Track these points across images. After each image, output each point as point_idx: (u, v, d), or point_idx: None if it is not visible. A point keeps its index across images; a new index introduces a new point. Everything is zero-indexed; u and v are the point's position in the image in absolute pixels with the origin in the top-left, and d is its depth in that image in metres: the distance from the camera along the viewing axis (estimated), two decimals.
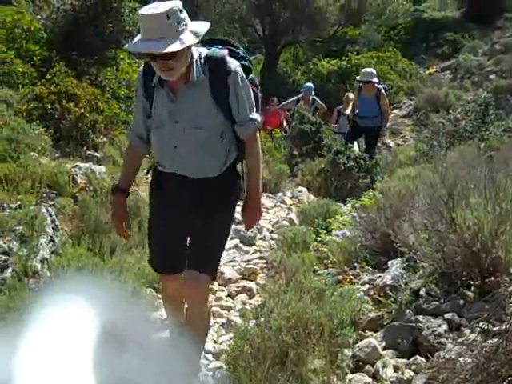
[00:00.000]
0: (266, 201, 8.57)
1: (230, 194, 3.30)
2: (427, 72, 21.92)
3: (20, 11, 8.78)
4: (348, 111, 11.22)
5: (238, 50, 3.28)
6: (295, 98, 12.45)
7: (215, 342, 4.22)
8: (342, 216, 6.51)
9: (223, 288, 5.32)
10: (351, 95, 11.70)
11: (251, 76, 3.29)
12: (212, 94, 3.05)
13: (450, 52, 23.73)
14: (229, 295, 5.19)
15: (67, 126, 7.15)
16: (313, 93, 12.38)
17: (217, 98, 3.05)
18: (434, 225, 3.76)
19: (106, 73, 9.11)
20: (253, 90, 3.22)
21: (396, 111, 17.42)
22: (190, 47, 2.91)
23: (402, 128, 15.67)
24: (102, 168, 6.41)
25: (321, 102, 12.51)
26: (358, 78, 10.32)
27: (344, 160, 8.53)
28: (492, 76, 19.27)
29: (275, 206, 8.42)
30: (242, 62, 3.21)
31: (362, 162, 8.53)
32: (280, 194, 9.02)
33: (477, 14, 25.69)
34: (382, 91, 9.95)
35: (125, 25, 9.03)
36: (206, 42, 3.18)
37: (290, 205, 8.38)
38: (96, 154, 7.28)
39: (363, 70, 10.35)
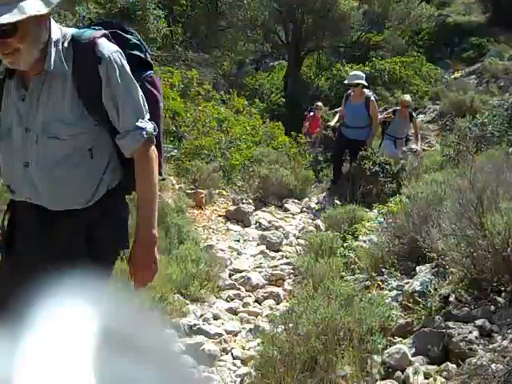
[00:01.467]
0: (292, 206, 8.60)
1: (104, 239, 2.36)
2: (452, 76, 21.78)
3: None
4: (333, 123, 10.63)
5: (129, 36, 2.48)
6: (373, 99, 11.80)
7: (243, 347, 4.22)
8: (368, 222, 6.47)
9: (250, 294, 5.32)
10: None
11: (149, 72, 2.52)
12: (77, 91, 2.21)
13: (475, 56, 23.57)
14: (256, 301, 5.19)
15: None
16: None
17: (83, 96, 2.21)
18: (463, 230, 3.72)
19: None
20: (149, 91, 2.45)
21: (421, 116, 17.34)
22: (42, 22, 2.12)
23: (427, 133, 15.56)
24: None
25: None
26: (345, 81, 9.59)
27: (369, 165, 8.49)
28: None
29: (301, 211, 8.43)
30: (135, 52, 2.45)
31: (387, 167, 8.48)
32: (306, 199, 9.04)
33: (502, 18, 25.50)
34: (372, 98, 9.17)
35: (149, 32, 9.10)
36: (89, 25, 2.45)
37: (316, 210, 8.39)
38: None
39: (351, 73, 9.94)
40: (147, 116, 2.32)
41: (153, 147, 2.33)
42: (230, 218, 7.79)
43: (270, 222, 7.66)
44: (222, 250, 6.33)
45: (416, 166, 8.53)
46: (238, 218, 7.77)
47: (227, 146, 10.06)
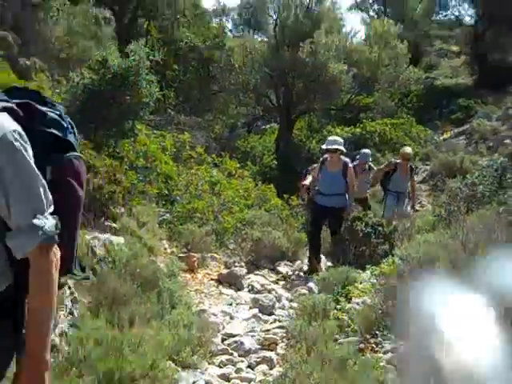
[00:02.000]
0: (284, 269, 8.56)
1: None
2: (442, 137, 22.11)
3: (40, 86, 9.01)
4: (307, 182, 9.40)
5: (46, 109, 2.08)
6: (350, 165, 11.69)
7: None
8: (361, 283, 6.44)
9: (243, 359, 5.24)
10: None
11: (68, 155, 2.11)
12: None
13: (463, 118, 24.00)
14: (249, 366, 5.11)
15: (86, 197, 7.21)
16: (370, 159, 11.58)
17: None
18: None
19: (124, 144, 9.26)
20: (61, 179, 2.05)
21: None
22: None
23: (418, 193, 15.65)
24: (121, 239, 6.43)
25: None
26: (323, 146, 8.95)
27: (362, 227, 8.51)
28: (507, 141, 19.35)
29: (294, 274, 8.39)
30: (51, 130, 2.06)
31: (379, 228, 8.50)
32: (298, 262, 9.00)
33: (489, 80, 26.10)
34: (350, 164, 8.74)
35: (142, 96, 9.21)
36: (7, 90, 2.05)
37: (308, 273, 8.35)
38: (114, 224, 7.31)
39: (330, 138, 9.21)
40: (49, 210, 1.88)
41: (52, 249, 1.89)
42: (222, 281, 7.75)
43: (262, 286, 7.61)
44: (215, 315, 6.26)
45: (408, 226, 8.54)
46: (231, 281, 7.73)
47: (220, 209, 10.09)
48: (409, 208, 10.79)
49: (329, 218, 8.67)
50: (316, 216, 8.84)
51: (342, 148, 8.55)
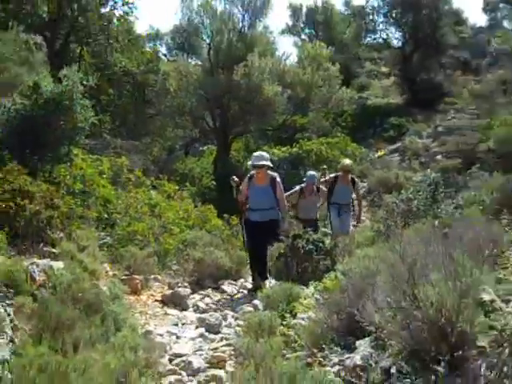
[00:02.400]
0: (228, 288, 8.56)
1: None
2: (376, 155, 22.62)
3: None
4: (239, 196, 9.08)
5: None
6: (298, 187, 11.47)
7: None
8: (305, 299, 6.49)
9: (192, 378, 5.20)
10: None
11: None
12: None
13: (396, 135, 24.70)
14: None
15: (22, 223, 7.08)
16: (315, 181, 11.34)
17: None
18: (397, 302, 3.79)
19: (60, 169, 9.14)
20: None
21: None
22: None
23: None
24: (60, 264, 6.32)
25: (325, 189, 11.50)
26: (249, 163, 9.00)
27: (303, 244, 8.59)
28: (438, 157, 20.01)
29: (238, 292, 8.40)
30: None
31: (320, 244, 8.60)
32: (241, 280, 9.02)
33: (418, 99, 26.96)
34: (278, 179, 8.63)
35: (77, 121, 9.13)
36: None
37: (253, 290, 8.36)
38: (53, 249, 7.18)
39: (255, 154, 8.94)
40: None
41: None
42: (166, 302, 7.70)
43: (207, 305, 7.59)
44: (161, 335, 6.21)
45: (348, 242, 8.68)
46: (176, 301, 7.69)
47: (160, 231, 10.04)
48: (351, 225, 10.94)
49: (262, 233, 8.47)
50: (250, 232, 8.80)
51: (268, 163, 8.57)
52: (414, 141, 22.36)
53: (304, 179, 11.57)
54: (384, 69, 36.82)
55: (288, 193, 11.60)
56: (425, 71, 30.15)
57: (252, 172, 8.68)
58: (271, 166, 8.70)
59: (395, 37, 33.79)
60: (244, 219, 8.97)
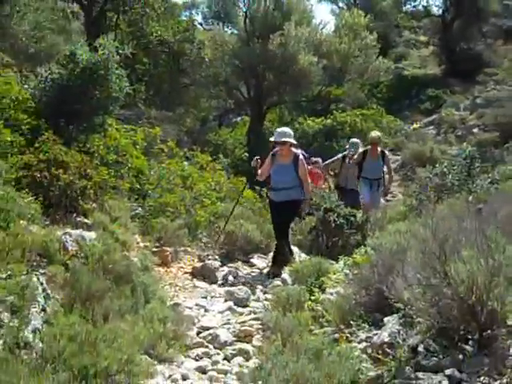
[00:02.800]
0: (258, 261, 8.57)
1: None
2: (411, 127, 22.29)
3: (8, 81, 8.88)
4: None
5: None
6: (340, 155, 11.38)
7: None
8: (334, 274, 6.48)
9: (219, 351, 5.25)
10: None
11: None
12: None
13: (432, 107, 24.25)
14: (225, 358, 5.12)
15: (56, 193, 7.15)
16: (360, 149, 11.06)
17: None
18: (427, 279, 3.75)
19: (95, 139, 9.18)
20: None
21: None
22: None
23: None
24: (93, 234, 6.38)
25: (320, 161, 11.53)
26: (271, 139, 8.45)
27: (334, 218, 8.55)
28: (475, 130, 19.62)
29: (267, 266, 8.41)
30: None
31: (352, 218, 8.55)
32: (271, 254, 9.01)
33: (457, 70, 26.38)
34: (301, 156, 8.21)
35: (112, 91, 9.13)
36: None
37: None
38: (86, 220, 7.25)
39: (278, 130, 8.54)
40: None
41: None
42: (196, 274, 7.74)
43: (236, 278, 7.62)
44: (189, 308, 6.26)
45: (380, 216, 8.61)
46: (205, 274, 7.72)
47: (192, 203, 10.05)
48: (381, 199, 10.81)
49: (281, 213, 8.17)
50: (272, 212, 8.55)
51: (291, 140, 8.15)
52: (451, 113, 21.96)
53: (346, 147, 11.39)
54: (423, 38, 36.06)
55: (329, 160, 11.52)
56: (465, 40, 29.40)
57: (275, 149, 8.26)
58: (294, 142, 8.26)
59: (436, 4, 33.07)
60: (268, 199, 8.81)
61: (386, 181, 10.90)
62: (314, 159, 11.42)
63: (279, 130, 8.46)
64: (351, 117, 21.19)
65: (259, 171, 8.43)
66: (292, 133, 8.35)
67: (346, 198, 9.78)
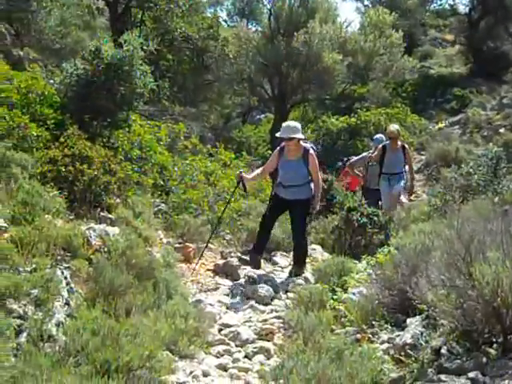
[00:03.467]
0: (280, 259, 8.55)
1: None
2: (436, 127, 22.11)
3: (34, 76, 8.97)
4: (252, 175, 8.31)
5: None
6: (365, 153, 11.17)
7: None
8: (357, 273, 6.46)
9: (240, 349, 5.25)
10: None
11: None
12: None
13: (458, 107, 24.02)
14: (246, 356, 5.12)
15: (81, 187, 7.20)
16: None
17: None
18: (451, 281, 3.71)
19: (119, 135, 9.23)
20: None
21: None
22: None
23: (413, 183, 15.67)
24: (116, 229, 6.42)
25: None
26: (277, 134, 7.82)
27: (357, 217, 8.50)
28: (501, 130, 19.41)
29: (289, 264, 8.39)
30: None
31: (375, 218, 8.50)
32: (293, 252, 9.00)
33: (483, 69, 26.10)
34: (311, 151, 7.62)
35: (136, 87, 9.17)
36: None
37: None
38: (109, 215, 7.30)
39: (284, 124, 7.83)
40: None
41: None
42: (218, 272, 7.73)
43: (258, 276, 7.61)
44: (211, 305, 6.26)
45: (403, 216, 8.55)
46: (227, 271, 7.71)
47: (215, 200, 10.07)
48: (403, 198, 10.63)
49: (292, 212, 7.79)
50: (273, 206, 7.94)
51: (299, 135, 7.53)
52: (477, 113, 21.74)
53: (371, 144, 11.04)
54: (449, 37, 35.75)
55: (355, 159, 11.38)
56: (492, 39, 29.10)
57: (283, 144, 7.70)
58: (303, 137, 7.69)
59: (462, 2, 32.78)
60: (273, 193, 8.07)
61: (407, 179, 10.41)
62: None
63: (285, 124, 7.80)
64: (375, 115, 21.07)
65: (255, 173, 8.15)
66: (300, 127, 7.66)
67: (369, 198, 9.70)
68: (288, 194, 7.67)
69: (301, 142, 7.62)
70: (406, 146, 10.51)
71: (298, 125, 7.67)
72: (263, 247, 8.06)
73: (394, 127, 10.51)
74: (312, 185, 7.67)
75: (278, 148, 7.79)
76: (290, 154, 7.61)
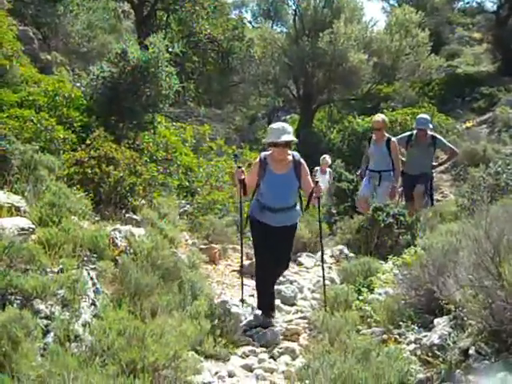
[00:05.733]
0: (306, 260, 8.51)
1: None
2: (464, 126, 21.88)
3: (61, 80, 9.07)
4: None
5: None
6: (408, 133, 9.79)
7: None
8: (383, 274, 6.40)
9: (265, 349, 5.24)
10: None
11: None
12: None
13: (486, 106, 23.74)
14: (271, 357, 5.11)
15: (106, 189, 7.25)
16: (430, 126, 9.53)
17: None
18: (480, 281, 3.66)
19: (144, 136, 9.29)
20: None
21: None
22: None
23: (441, 183, 15.54)
24: (142, 230, 6.45)
25: (446, 142, 9.96)
26: (264, 140, 6.15)
27: (383, 217, 8.43)
28: None
29: (315, 265, 8.35)
30: None
31: (401, 218, 8.42)
32: (319, 253, 8.96)
33: None
34: (301, 161, 5.97)
35: (161, 89, 9.21)
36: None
37: (331, 263, 8.29)
38: (135, 216, 7.34)
39: (274, 126, 5.98)
40: None
41: None
42: (244, 272, 7.72)
43: (284, 276, 7.58)
44: (236, 305, 6.25)
45: (430, 216, 8.46)
46: (252, 272, 7.69)
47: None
48: (385, 192, 9.51)
49: (277, 241, 5.87)
50: (260, 242, 6.00)
51: (292, 138, 5.85)
52: (506, 111, 21.44)
53: (413, 126, 9.67)
54: (476, 35, 35.37)
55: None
56: None
57: (265, 153, 6.03)
58: (296, 141, 6.06)
59: (490, 0, 32.43)
60: (250, 218, 6.10)
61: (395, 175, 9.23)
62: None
63: (275, 126, 5.99)
64: (401, 115, 20.91)
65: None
66: (291, 129, 6.01)
67: (403, 185, 9.48)
68: (272, 218, 5.87)
69: (289, 151, 5.92)
70: (393, 139, 9.18)
71: (289, 127, 5.97)
72: (271, 306, 6.11)
73: (379, 116, 9.51)
74: (298, 208, 6.06)
75: (259, 158, 6.02)
76: (278, 165, 5.89)
